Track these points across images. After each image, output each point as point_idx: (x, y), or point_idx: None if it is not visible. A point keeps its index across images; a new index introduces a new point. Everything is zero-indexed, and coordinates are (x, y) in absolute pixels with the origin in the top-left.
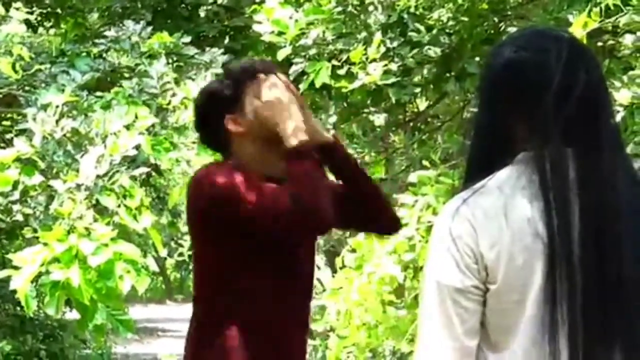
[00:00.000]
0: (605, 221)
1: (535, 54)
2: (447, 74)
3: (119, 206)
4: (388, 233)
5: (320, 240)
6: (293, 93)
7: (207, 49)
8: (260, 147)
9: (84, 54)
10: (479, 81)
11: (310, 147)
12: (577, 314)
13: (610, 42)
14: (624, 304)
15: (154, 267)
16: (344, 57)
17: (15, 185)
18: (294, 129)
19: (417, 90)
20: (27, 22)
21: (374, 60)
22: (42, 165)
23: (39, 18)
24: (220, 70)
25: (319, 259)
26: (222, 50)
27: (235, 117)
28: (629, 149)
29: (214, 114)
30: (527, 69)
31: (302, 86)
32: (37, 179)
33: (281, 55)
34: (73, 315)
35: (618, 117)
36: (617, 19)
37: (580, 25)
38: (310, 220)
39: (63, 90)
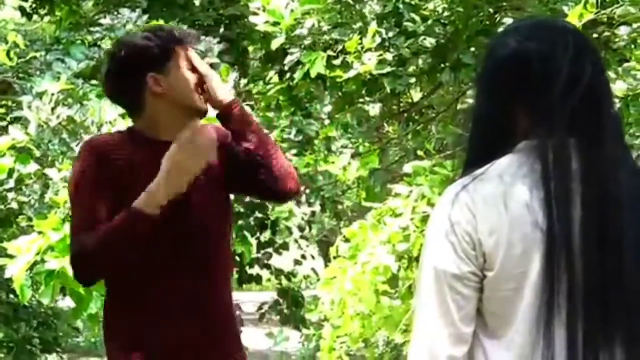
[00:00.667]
0: (607, 212)
1: (541, 45)
2: (442, 65)
3: None
4: (281, 199)
5: (314, 230)
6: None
7: (202, 37)
8: (172, 110)
9: (79, 41)
10: (480, 71)
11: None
12: (577, 304)
13: (606, 33)
14: (625, 295)
15: None
16: (339, 47)
17: (10, 173)
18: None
19: (412, 80)
20: (22, 9)
21: (369, 50)
22: (37, 153)
23: (34, 5)
24: (216, 60)
25: (312, 249)
26: (217, 39)
27: (157, 76)
28: None
29: (135, 68)
30: (534, 60)
31: (297, 75)
32: (32, 167)
33: (275, 44)
34: (66, 303)
35: None
36: (612, 10)
37: (575, 17)
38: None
39: (58, 78)
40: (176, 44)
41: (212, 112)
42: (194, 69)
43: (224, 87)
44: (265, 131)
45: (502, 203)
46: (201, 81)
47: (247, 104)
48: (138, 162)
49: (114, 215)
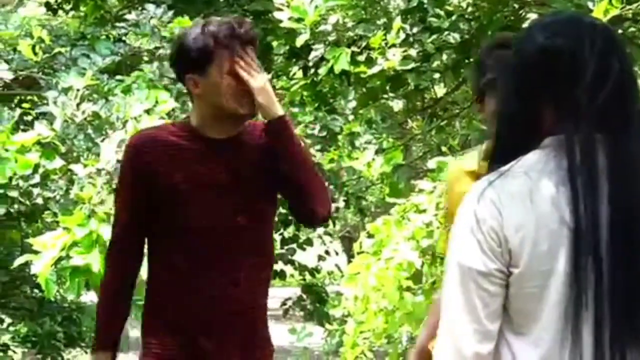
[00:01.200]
0: (634, 209)
1: (569, 41)
2: (466, 60)
3: None
4: (308, 225)
5: (337, 226)
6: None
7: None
8: (211, 111)
9: (104, 37)
10: (508, 65)
11: None
12: (603, 301)
13: (631, 29)
14: None
15: None
16: (364, 42)
17: (35, 168)
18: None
19: (436, 76)
20: (47, 5)
21: (394, 45)
22: (62, 149)
23: (59, 0)
24: None
25: (336, 245)
26: None
27: (196, 78)
28: None
29: (179, 67)
30: (561, 56)
31: (322, 71)
32: (58, 162)
33: (300, 41)
34: (90, 297)
35: None
36: (638, 6)
37: (601, 12)
38: None
39: (84, 74)
40: (220, 47)
41: None
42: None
43: (271, 101)
44: (308, 152)
45: (528, 199)
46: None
47: None
48: (181, 155)
49: (152, 204)
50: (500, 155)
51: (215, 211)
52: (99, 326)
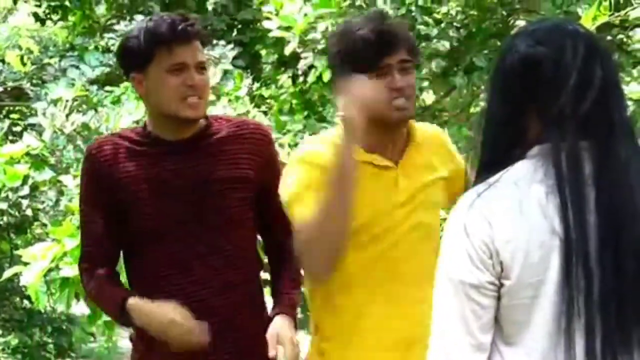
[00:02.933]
0: (621, 217)
1: (550, 49)
2: (455, 68)
3: None
4: None
5: None
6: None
7: (216, 42)
8: (156, 113)
9: (93, 48)
10: (493, 74)
11: None
12: (594, 310)
13: (620, 36)
14: None
15: None
16: None
17: (25, 180)
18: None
19: (425, 83)
20: (35, 15)
21: None
22: (51, 160)
23: (47, 11)
24: (229, 66)
25: None
26: (231, 45)
27: (138, 77)
28: None
29: (123, 66)
30: (544, 65)
31: (310, 79)
32: (47, 174)
33: (289, 50)
34: (80, 308)
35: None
36: (626, 13)
37: (589, 19)
38: None
39: (73, 85)
40: (159, 45)
41: (222, 110)
42: (180, 69)
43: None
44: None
45: (518, 210)
46: (188, 84)
47: (260, 111)
48: (137, 161)
49: (115, 218)
50: (487, 165)
51: (174, 215)
52: (106, 300)
